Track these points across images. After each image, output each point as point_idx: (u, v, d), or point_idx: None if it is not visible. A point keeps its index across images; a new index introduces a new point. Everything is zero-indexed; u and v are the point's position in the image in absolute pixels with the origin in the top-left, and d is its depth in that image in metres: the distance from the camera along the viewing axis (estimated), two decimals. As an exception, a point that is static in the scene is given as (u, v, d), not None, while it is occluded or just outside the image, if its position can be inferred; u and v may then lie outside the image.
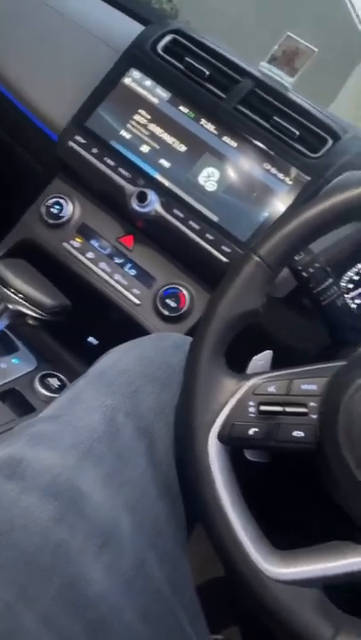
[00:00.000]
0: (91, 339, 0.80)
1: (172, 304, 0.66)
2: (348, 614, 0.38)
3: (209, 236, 0.64)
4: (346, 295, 0.74)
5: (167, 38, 0.69)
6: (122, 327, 0.69)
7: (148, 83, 0.67)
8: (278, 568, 0.38)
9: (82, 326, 0.78)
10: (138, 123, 0.67)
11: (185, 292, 0.67)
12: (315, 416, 0.41)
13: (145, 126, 0.66)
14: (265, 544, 0.39)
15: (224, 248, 0.63)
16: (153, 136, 0.66)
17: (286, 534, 0.45)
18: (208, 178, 0.65)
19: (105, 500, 0.38)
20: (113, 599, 0.33)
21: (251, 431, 0.41)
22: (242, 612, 0.79)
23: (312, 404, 0.41)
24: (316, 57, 0.68)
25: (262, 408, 0.42)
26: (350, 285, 0.74)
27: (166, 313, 0.66)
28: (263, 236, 0.45)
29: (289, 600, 0.37)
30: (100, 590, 0.33)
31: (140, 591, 0.35)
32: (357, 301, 0.73)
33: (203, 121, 0.65)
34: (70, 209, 0.70)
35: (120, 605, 0.33)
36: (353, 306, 0.73)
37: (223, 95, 0.66)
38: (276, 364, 0.46)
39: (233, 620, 0.81)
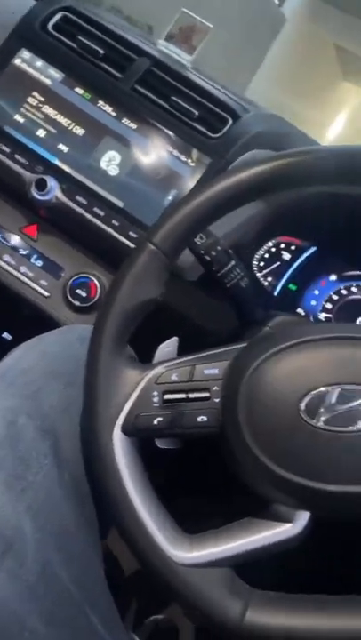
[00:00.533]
0: (5, 334, 0.77)
1: (83, 294, 0.65)
2: (258, 588, 0.39)
3: (115, 222, 0.62)
4: (258, 274, 0.75)
5: (58, 16, 0.65)
6: (34, 321, 0.67)
7: (40, 63, 0.64)
8: (186, 553, 0.38)
9: (-7, 322, 0.75)
10: (32, 106, 0.63)
11: (95, 280, 0.65)
12: (218, 400, 0.41)
13: (40, 109, 0.63)
14: (174, 531, 0.39)
15: (131, 234, 0.62)
16: (49, 119, 0.63)
17: (200, 519, 0.45)
18: (110, 162, 0.63)
19: (5, 505, 0.36)
20: (14, 606, 0.33)
21: (155, 421, 0.41)
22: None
23: (215, 388, 0.41)
24: (235, 32, 0.68)
25: (166, 397, 0.41)
26: (262, 264, 0.75)
27: (77, 304, 0.65)
28: (157, 222, 0.44)
29: (197, 583, 0.37)
30: (0, 598, 0.32)
31: (45, 595, 0.34)
32: (269, 279, 0.75)
33: (100, 102, 0.63)
34: (-33, 200, 0.66)
35: (22, 612, 0.33)
36: (265, 283, 0.75)
37: (119, 75, 0.63)
38: (189, 349, 0.46)
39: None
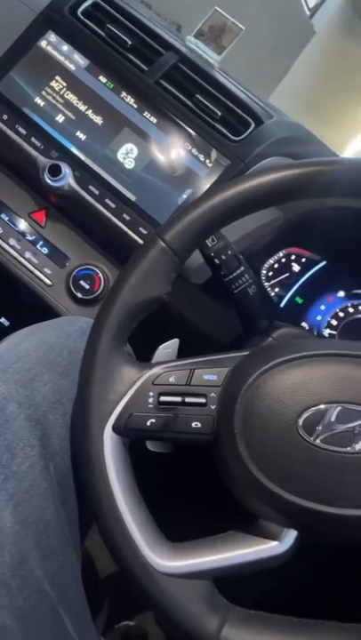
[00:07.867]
0: (2, 319, 0.76)
1: (86, 286, 0.64)
2: (236, 603, 0.38)
3: (125, 216, 0.61)
4: (266, 283, 0.74)
5: (88, 2, 0.64)
6: (34, 308, 0.66)
7: (66, 48, 0.63)
8: (168, 562, 0.37)
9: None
10: (53, 90, 0.62)
11: (100, 273, 0.64)
12: (214, 407, 0.40)
13: (61, 94, 0.62)
14: (157, 537, 0.38)
15: (141, 229, 0.61)
16: (69, 105, 0.62)
17: (185, 526, 0.44)
18: (127, 154, 0.62)
19: (-15, 495, 0.35)
20: None
21: (148, 422, 0.40)
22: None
23: (212, 394, 0.40)
24: (263, 39, 0.67)
25: (162, 399, 0.40)
26: (270, 273, 0.74)
27: (79, 295, 0.63)
28: (170, 219, 0.43)
29: (176, 593, 0.36)
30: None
31: (18, 592, 0.33)
32: (277, 290, 0.74)
33: (123, 93, 0.62)
34: (-22, 179, 0.65)
35: None
36: (272, 294, 0.74)
37: (145, 67, 0.62)
38: (189, 353, 0.45)
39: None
